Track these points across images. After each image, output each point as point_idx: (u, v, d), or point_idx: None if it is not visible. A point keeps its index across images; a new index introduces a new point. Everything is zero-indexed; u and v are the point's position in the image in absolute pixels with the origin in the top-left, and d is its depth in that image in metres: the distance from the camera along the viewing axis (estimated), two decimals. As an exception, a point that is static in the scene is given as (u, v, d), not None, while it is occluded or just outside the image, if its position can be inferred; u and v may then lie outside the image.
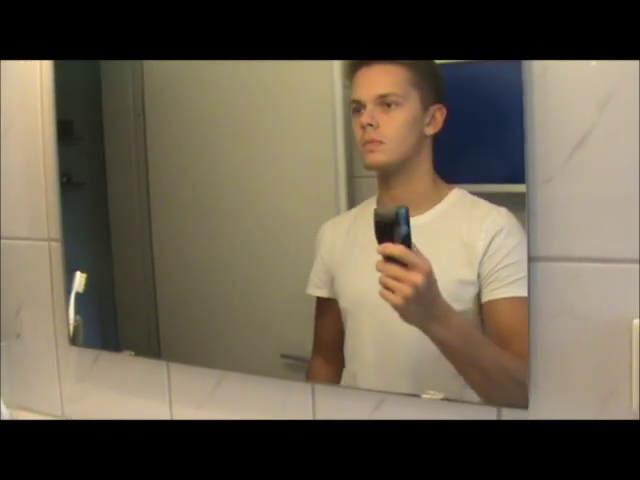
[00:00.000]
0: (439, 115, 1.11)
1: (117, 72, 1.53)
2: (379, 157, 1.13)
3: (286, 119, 1.31)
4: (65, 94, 1.55)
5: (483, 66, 1.09)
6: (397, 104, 1.11)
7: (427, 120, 1.11)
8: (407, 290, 1.00)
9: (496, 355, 1.06)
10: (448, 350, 1.06)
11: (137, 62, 1.49)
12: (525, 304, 1.03)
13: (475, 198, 1.10)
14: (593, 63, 1.00)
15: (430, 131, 1.11)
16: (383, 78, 1.12)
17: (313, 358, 1.28)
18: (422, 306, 1.02)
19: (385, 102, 1.11)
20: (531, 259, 1.04)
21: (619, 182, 0.99)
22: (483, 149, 1.10)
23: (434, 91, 1.11)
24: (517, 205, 1.05)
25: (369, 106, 1.12)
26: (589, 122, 1.00)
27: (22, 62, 1.60)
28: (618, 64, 0.98)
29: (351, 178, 1.23)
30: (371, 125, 1.12)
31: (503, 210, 1.07)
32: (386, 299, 1.02)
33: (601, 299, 1.00)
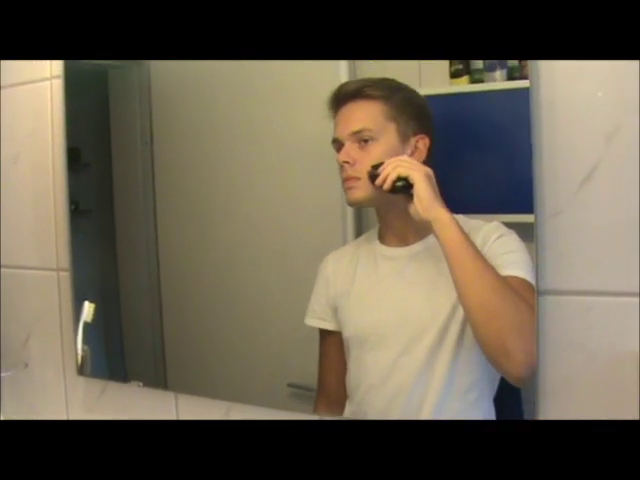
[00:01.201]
0: (422, 145, 1.12)
1: (125, 99, 1.55)
2: (357, 194, 1.14)
3: (294, 148, 1.32)
4: (73, 121, 1.56)
5: (490, 96, 1.10)
6: (373, 139, 1.12)
7: (408, 151, 1.12)
8: (423, 168, 1.05)
9: (500, 279, 1.02)
10: (456, 246, 1.03)
11: (145, 89, 1.50)
12: (524, 284, 1.02)
13: (471, 220, 1.10)
14: (599, 94, 1.00)
15: None
16: (357, 115, 1.13)
17: (318, 400, 1.27)
18: (434, 190, 1.04)
19: (361, 138, 1.12)
20: (540, 292, 1.03)
21: (629, 215, 0.99)
22: (491, 180, 1.11)
23: (414, 122, 1.12)
24: (526, 237, 1.06)
25: (346, 143, 1.13)
26: (597, 155, 1.00)
27: (33, 90, 1.62)
28: (625, 96, 0.98)
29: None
30: (347, 162, 1.13)
31: (495, 222, 1.08)
32: (411, 176, 1.05)
33: (610, 333, 1.00)
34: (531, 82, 1.03)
